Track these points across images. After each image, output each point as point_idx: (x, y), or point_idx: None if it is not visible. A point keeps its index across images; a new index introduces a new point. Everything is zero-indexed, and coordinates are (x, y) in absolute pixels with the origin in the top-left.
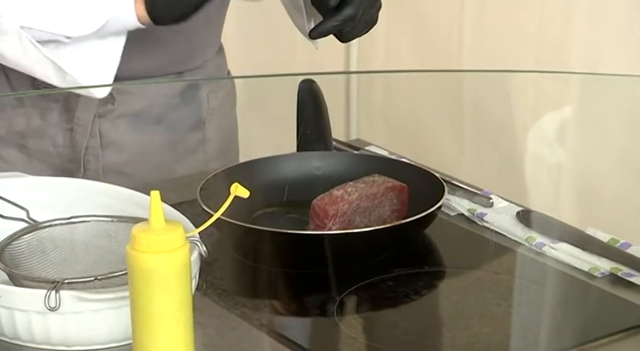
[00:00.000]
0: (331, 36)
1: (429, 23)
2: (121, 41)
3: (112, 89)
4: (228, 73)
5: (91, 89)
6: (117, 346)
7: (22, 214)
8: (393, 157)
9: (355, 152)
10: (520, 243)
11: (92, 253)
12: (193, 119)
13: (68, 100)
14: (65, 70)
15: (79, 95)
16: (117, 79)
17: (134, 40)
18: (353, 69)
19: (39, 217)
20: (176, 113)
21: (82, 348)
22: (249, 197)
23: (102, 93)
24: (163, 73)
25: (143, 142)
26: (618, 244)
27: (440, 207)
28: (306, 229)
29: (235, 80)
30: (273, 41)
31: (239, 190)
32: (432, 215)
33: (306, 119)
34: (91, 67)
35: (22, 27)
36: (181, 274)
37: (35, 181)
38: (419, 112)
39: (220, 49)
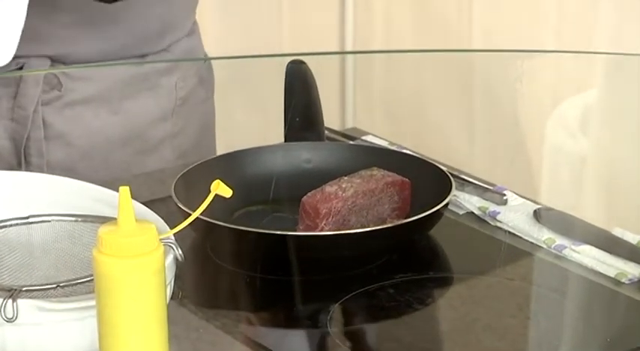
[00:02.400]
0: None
1: None
2: (22, 2)
3: (59, 73)
4: (206, 56)
5: None
6: None
7: None
8: (394, 148)
9: (351, 143)
10: (538, 245)
11: (53, 258)
12: (158, 110)
13: (12, 85)
14: None
15: (20, 79)
16: (66, 62)
17: (84, 16)
18: (348, 48)
19: None
20: (136, 103)
21: None
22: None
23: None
24: (121, 56)
25: (95, 136)
26: None
27: (447, 205)
28: (295, 230)
29: (213, 63)
30: (257, 16)
31: (220, 189)
32: (438, 214)
33: (295, 105)
34: None
35: None
36: (154, 280)
37: None
38: (423, 98)
39: (193, 29)
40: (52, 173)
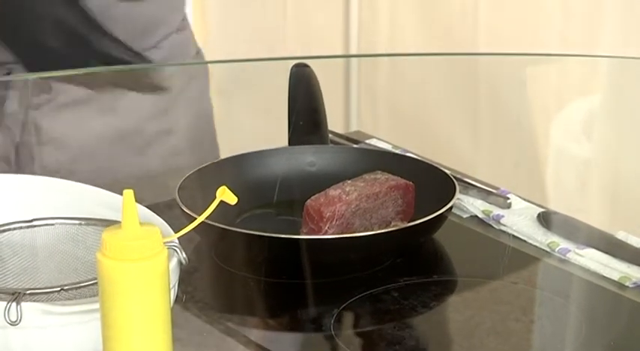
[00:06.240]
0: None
1: None
2: None
3: (48, 77)
4: (198, 51)
5: None
6: None
7: None
8: (398, 151)
9: (354, 146)
10: (541, 249)
11: (57, 261)
12: (152, 107)
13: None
14: None
15: (8, 85)
16: (56, 68)
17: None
18: (353, 51)
19: None
20: (128, 101)
21: None
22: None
23: None
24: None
25: (88, 136)
26: None
27: (451, 208)
28: (298, 234)
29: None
30: (260, 19)
31: (226, 195)
32: (442, 217)
33: (299, 109)
34: None
35: None
36: (158, 284)
37: None
38: (427, 101)
39: (184, 25)
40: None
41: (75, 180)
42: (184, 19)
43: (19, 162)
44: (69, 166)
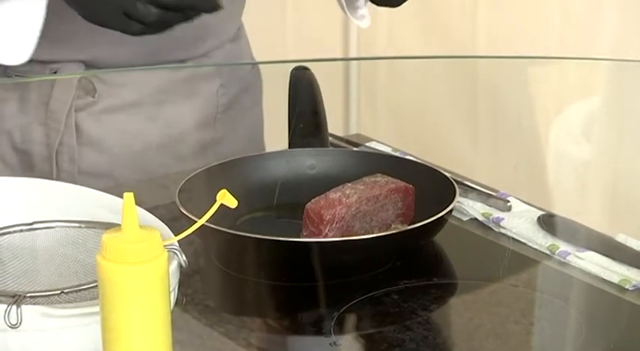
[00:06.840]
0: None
1: (438, 2)
2: (40, 3)
3: (94, 79)
4: (254, 66)
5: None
6: None
7: None
8: (398, 154)
9: (355, 149)
10: (541, 252)
11: (57, 264)
12: (199, 117)
13: (46, 90)
14: None
15: (53, 84)
16: (100, 67)
17: None
18: (352, 55)
19: None
20: (175, 109)
21: None
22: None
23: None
24: (156, 61)
25: (131, 142)
26: None
27: (451, 211)
28: (298, 236)
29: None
30: (260, 22)
31: (226, 198)
32: (442, 220)
33: (299, 112)
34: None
35: None
36: (158, 287)
37: None
38: (427, 104)
39: (239, 35)
40: (84, 179)
41: (113, 184)
42: (240, 28)
43: (59, 163)
44: (108, 170)
